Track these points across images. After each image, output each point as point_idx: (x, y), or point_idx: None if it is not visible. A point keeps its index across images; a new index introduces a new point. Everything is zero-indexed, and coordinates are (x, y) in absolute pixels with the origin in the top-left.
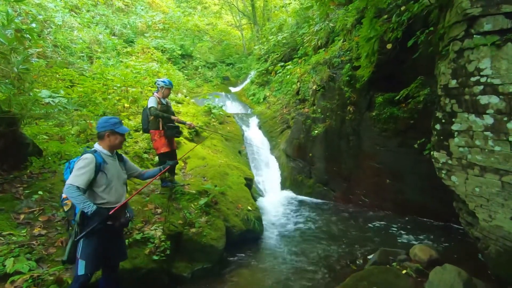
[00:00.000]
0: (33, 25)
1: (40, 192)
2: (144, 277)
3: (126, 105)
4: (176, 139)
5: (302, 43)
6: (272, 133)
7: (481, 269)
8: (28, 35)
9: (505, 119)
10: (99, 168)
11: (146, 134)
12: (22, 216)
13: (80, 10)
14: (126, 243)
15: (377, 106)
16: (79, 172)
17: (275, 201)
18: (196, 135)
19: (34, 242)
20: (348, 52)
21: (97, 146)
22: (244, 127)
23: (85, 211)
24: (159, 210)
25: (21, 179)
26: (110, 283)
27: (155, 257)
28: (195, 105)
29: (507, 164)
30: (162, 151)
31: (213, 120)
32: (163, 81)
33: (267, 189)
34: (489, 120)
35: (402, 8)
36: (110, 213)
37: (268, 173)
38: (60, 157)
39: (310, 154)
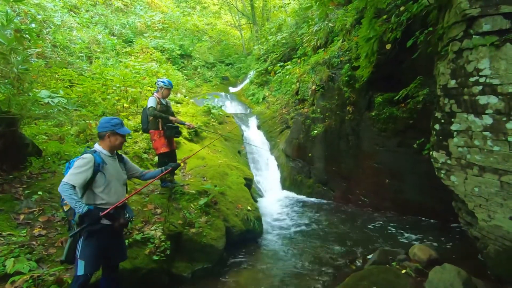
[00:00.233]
0: (32, 25)
1: (40, 193)
2: (144, 277)
3: (125, 105)
4: (175, 139)
5: (302, 43)
6: (272, 133)
7: (480, 268)
8: (27, 35)
9: (504, 119)
10: (97, 168)
11: (145, 134)
12: (22, 217)
13: (79, 10)
14: (126, 243)
15: (376, 106)
16: (76, 171)
17: (275, 201)
18: (196, 135)
19: (34, 243)
20: (347, 52)
21: (97, 146)
22: (243, 127)
23: (76, 211)
24: (159, 210)
25: (21, 180)
26: (111, 284)
27: (155, 257)
28: (194, 105)
29: (506, 164)
30: (161, 151)
31: (212, 120)
32: (163, 82)
33: (267, 189)
34: (488, 120)
35: (401, 9)
36: (102, 214)
37: (268, 173)
38: (60, 157)
39: (310, 154)
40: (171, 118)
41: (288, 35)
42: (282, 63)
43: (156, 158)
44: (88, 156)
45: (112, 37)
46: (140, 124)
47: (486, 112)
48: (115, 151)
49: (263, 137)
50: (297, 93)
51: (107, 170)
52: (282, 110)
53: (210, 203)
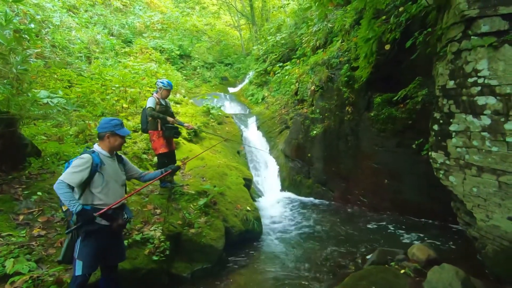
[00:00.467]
0: (31, 25)
1: (39, 193)
2: (144, 277)
3: (124, 105)
4: (174, 139)
5: (301, 44)
6: (271, 133)
7: (478, 268)
8: (26, 36)
9: (502, 119)
10: (95, 168)
11: (145, 134)
12: (21, 217)
13: (78, 10)
14: (126, 243)
15: (375, 106)
16: (73, 170)
17: (274, 202)
18: (195, 136)
19: (33, 243)
20: (346, 53)
21: (96, 146)
22: (242, 128)
23: (70, 209)
24: (158, 211)
25: (20, 180)
26: (110, 284)
27: (155, 258)
28: (193, 105)
29: (504, 164)
30: (160, 152)
31: (211, 120)
32: (162, 82)
33: (266, 189)
34: (486, 120)
35: (400, 9)
36: (96, 214)
37: (267, 173)
38: (59, 158)
39: (309, 155)
40: (169, 119)
41: (287, 36)
42: (281, 64)
43: (155, 159)
44: (86, 156)
45: (111, 37)
46: (139, 125)
47: (485, 112)
48: (115, 152)
49: (262, 137)
50: (296, 94)
51: (105, 171)
52: (281, 110)
53: (209, 204)
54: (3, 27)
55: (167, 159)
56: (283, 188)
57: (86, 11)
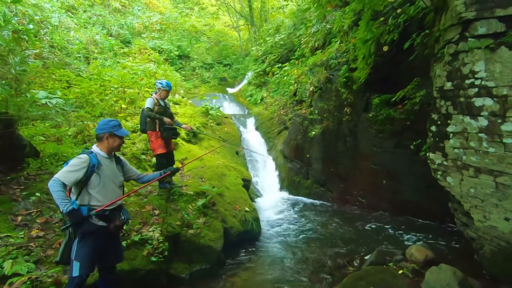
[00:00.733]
0: (30, 26)
1: (37, 194)
2: (142, 278)
3: (123, 106)
4: (173, 140)
5: (299, 45)
6: (270, 134)
7: (476, 268)
8: (25, 36)
9: (499, 121)
10: (92, 169)
11: (143, 135)
12: (19, 218)
13: (76, 10)
14: (124, 244)
15: (373, 107)
16: (69, 169)
17: (273, 202)
18: (194, 136)
19: (32, 244)
20: (345, 54)
21: (94, 147)
22: (241, 128)
23: (61, 208)
24: (157, 212)
25: (18, 181)
26: (108, 285)
27: (154, 258)
28: (192, 106)
29: (501, 165)
30: (158, 152)
31: (210, 121)
32: (161, 83)
33: (265, 190)
34: (483, 122)
35: (399, 11)
36: (92, 212)
37: (266, 174)
38: (57, 159)
39: (308, 155)
40: (166, 119)
41: (286, 37)
42: (280, 64)
43: (154, 159)
44: (83, 156)
45: (110, 37)
46: (138, 125)
47: (482, 114)
48: (113, 153)
49: (261, 138)
50: (295, 94)
51: (103, 171)
52: (280, 111)
53: (208, 204)
54: (2, 28)
55: (166, 160)
56: (282, 189)
57: (84, 11)
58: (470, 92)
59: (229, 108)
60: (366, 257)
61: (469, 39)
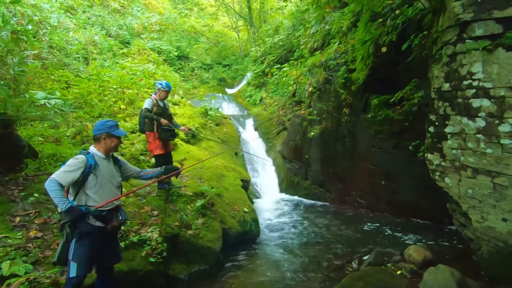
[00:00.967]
0: (29, 26)
1: (36, 195)
2: (141, 279)
3: (122, 106)
4: (172, 141)
5: (298, 45)
6: (269, 134)
7: (474, 269)
8: (24, 37)
9: (497, 122)
10: (89, 169)
11: (142, 136)
12: (18, 219)
13: (75, 11)
14: (123, 245)
15: (372, 108)
16: (65, 169)
17: (272, 203)
18: (193, 137)
19: (30, 245)
20: (343, 55)
21: (92, 148)
22: (240, 129)
23: (60, 207)
24: (155, 212)
25: (17, 181)
26: (106, 286)
27: (152, 259)
28: (191, 106)
29: (498, 166)
30: (156, 153)
31: (209, 121)
32: (161, 84)
33: (264, 190)
34: (481, 123)
35: (397, 12)
36: (90, 210)
37: (265, 174)
38: (56, 159)
39: (306, 156)
40: (163, 121)
41: (285, 37)
42: (279, 65)
43: (153, 160)
44: (80, 157)
45: (109, 38)
46: (137, 126)
47: (479, 115)
48: (111, 154)
49: (260, 138)
50: (294, 95)
51: (100, 172)
52: (279, 111)
53: (207, 205)
54: (1, 28)
55: (164, 161)
56: (281, 189)
57: (84, 12)
58: (467, 93)
59: (228, 108)
60: (365, 258)
61: (466, 40)
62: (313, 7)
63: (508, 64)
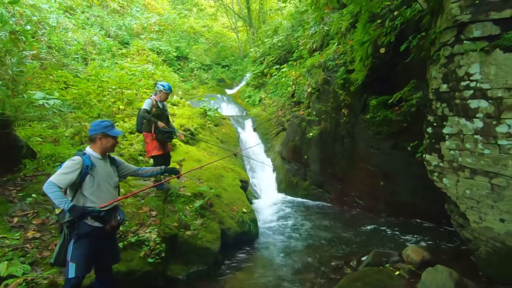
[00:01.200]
0: (28, 26)
1: (34, 195)
2: (139, 279)
3: (121, 107)
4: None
5: (297, 46)
6: (268, 135)
7: (472, 269)
8: (22, 37)
9: (494, 122)
10: (86, 170)
11: (141, 136)
12: (15, 219)
13: (74, 11)
14: (121, 246)
15: (371, 109)
16: (62, 172)
17: (271, 203)
18: (192, 138)
19: (28, 245)
20: (342, 56)
21: (88, 149)
22: (239, 129)
23: (61, 207)
24: (154, 213)
25: (15, 182)
26: (104, 286)
27: (150, 260)
28: (190, 107)
29: (496, 166)
30: (153, 154)
31: (208, 122)
32: (163, 85)
33: (263, 191)
34: (478, 123)
35: (395, 13)
36: (94, 209)
37: (264, 175)
38: (54, 160)
39: (305, 157)
40: (159, 123)
41: (284, 38)
42: (278, 66)
43: (151, 161)
44: (76, 158)
45: (108, 38)
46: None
47: (477, 115)
48: (108, 154)
49: (259, 139)
50: (293, 96)
51: (97, 173)
52: (278, 112)
53: (205, 206)
54: (0, 29)
55: (162, 162)
56: (280, 190)
57: (83, 12)
58: (465, 94)
59: (227, 109)
60: (363, 258)
61: (464, 41)
62: (312, 8)
63: (506, 65)
